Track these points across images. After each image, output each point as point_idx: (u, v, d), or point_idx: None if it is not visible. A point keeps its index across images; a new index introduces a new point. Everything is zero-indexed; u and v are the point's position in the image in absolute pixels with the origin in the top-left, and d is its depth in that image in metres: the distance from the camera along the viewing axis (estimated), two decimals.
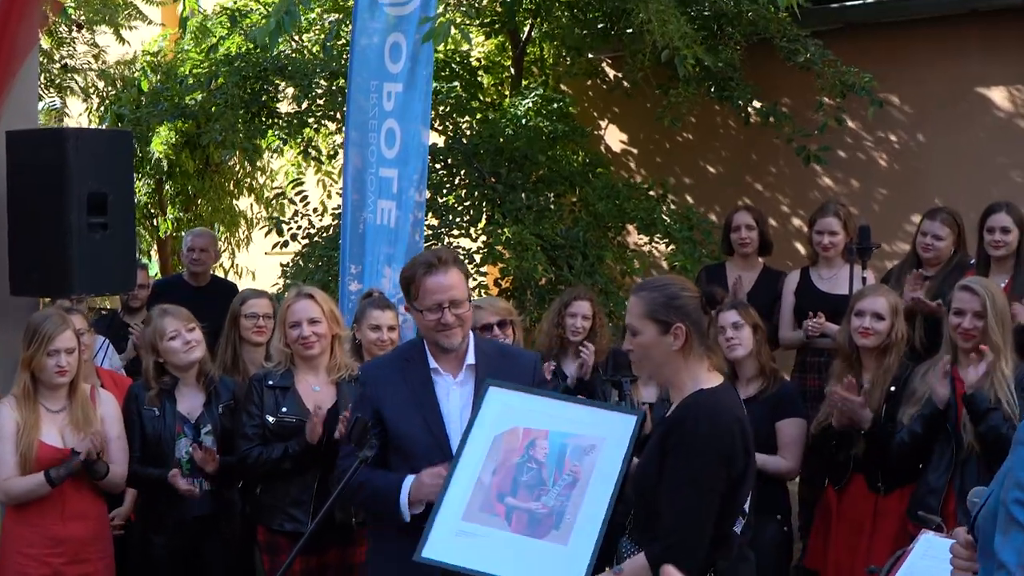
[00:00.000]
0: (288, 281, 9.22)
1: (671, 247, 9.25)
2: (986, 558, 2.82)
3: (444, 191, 9.56)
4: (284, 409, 5.41)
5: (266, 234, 10.34)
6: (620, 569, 3.71)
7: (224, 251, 14.65)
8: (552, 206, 9.72)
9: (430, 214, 9.33)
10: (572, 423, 4.15)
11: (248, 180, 14.46)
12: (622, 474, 4.04)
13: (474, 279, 9.30)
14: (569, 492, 3.95)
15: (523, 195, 9.31)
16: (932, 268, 6.85)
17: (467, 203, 9.49)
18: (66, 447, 5.28)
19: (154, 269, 15.32)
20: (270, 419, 5.40)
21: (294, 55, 10.43)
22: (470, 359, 4.43)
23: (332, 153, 11.18)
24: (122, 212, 6.55)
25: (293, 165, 11.98)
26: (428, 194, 9.41)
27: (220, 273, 14.14)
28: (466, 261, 9.27)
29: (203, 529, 5.63)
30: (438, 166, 9.73)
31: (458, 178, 9.68)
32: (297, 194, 10.03)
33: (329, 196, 11.54)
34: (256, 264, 13.79)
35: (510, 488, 3.92)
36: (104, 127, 12.10)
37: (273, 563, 5.40)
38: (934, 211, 6.97)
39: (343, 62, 9.28)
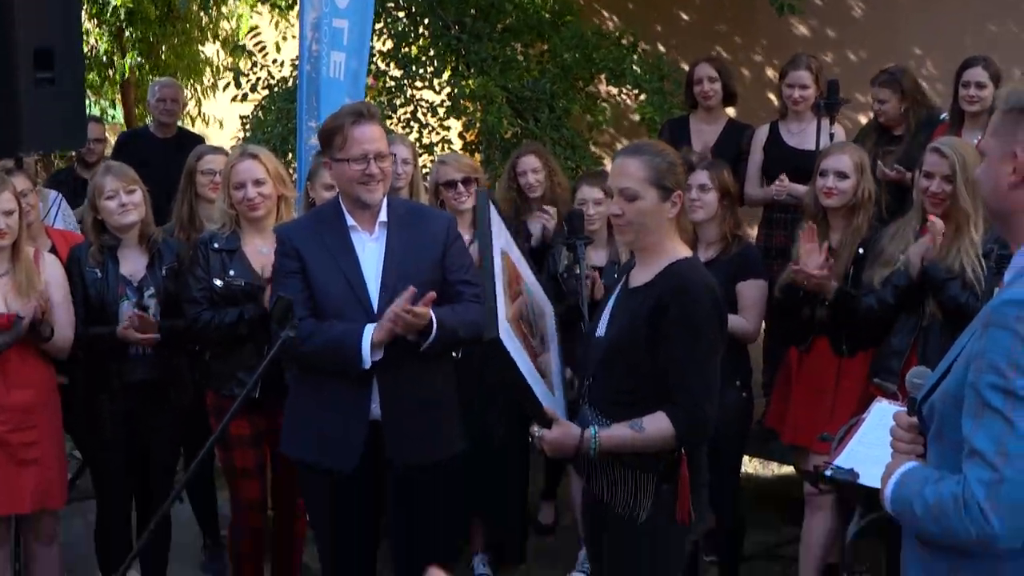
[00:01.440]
0: (247, 134, 9.00)
1: (641, 96, 9.03)
2: (940, 441, 2.72)
3: (408, 41, 9.27)
4: (232, 272, 5.28)
5: (224, 88, 10.07)
6: (642, 427, 3.67)
7: (191, 99, 14.40)
8: (519, 57, 9.46)
9: (392, 64, 9.08)
10: (531, 282, 4.16)
11: (213, 26, 14.13)
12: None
13: (438, 133, 9.10)
14: (543, 347, 3.94)
15: (489, 45, 9.04)
16: (897, 130, 6.72)
17: (431, 54, 9.21)
18: (10, 312, 5.14)
19: (118, 117, 15.08)
20: (217, 282, 5.28)
21: None
22: (383, 216, 4.43)
23: (292, 2, 10.82)
24: (70, 66, 6.34)
25: (250, 5, 11.64)
26: (390, 44, 9.15)
27: (187, 122, 13.92)
28: (429, 114, 9.07)
29: (151, 396, 5.51)
30: (401, 14, 9.42)
31: (422, 27, 9.37)
32: (255, 44, 9.71)
33: (284, 39, 11.21)
34: (224, 113, 13.48)
35: (518, 315, 3.87)
36: None
37: None
38: (875, 76, 6.88)
39: None
